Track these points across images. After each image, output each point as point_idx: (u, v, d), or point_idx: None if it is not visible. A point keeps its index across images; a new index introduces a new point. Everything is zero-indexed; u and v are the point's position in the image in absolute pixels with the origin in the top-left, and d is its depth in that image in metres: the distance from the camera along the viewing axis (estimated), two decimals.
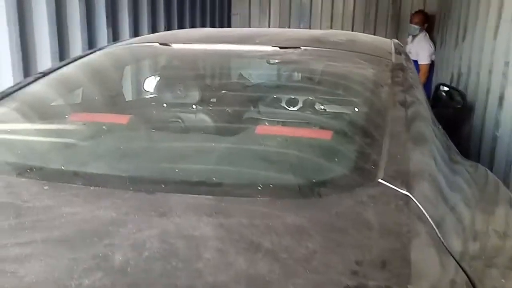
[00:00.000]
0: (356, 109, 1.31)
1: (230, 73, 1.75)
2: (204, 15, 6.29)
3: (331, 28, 7.20)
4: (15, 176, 0.97)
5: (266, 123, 1.27)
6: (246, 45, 1.74)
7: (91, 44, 3.60)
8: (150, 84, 1.72)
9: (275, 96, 1.57)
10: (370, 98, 1.34)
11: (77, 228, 0.78)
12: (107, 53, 1.85)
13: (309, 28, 7.25)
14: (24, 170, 1.00)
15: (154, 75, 1.74)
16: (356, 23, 7.08)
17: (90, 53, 1.86)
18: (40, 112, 1.41)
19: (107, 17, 3.75)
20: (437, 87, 2.50)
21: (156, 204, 0.86)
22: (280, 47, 1.66)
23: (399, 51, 1.78)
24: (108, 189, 0.90)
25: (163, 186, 0.92)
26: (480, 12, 3.59)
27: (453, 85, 4.16)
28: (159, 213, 0.82)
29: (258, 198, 0.87)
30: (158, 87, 1.69)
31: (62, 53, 3.24)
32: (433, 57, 5.57)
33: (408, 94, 1.33)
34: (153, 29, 4.74)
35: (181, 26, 5.48)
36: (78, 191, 0.89)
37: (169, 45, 1.78)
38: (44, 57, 3.05)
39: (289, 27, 7.33)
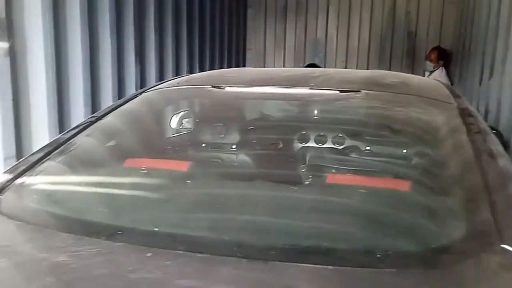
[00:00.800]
0: (445, 161, 1.24)
1: (293, 119, 1.69)
2: (222, 50, 6.40)
3: (346, 63, 7.27)
4: (105, 239, 0.90)
5: (358, 179, 1.20)
6: (303, 89, 1.68)
7: (120, 79, 3.62)
8: (210, 129, 1.66)
9: (351, 145, 1.50)
10: (454, 147, 1.28)
11: None
12: (159, 93, 1.80)
13: (324, 63, 7.33)
14: (114, 232, 0.92)
15: (213, 120, 1.69)
16: (371, 58, 7.14)
17: (141, 93, 1.81)
18: (109, 162, 1.35)
19: (135, 55, 3.79)
20: None
21: (276, 276, 0.78)
22: (341, 91, 1.61)
23: (456, 93, 1.73)
24: (218, 256, 0.82)
25: (273, 253, 0.84)
26: (511, 48, 3.57)
27: None
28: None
29: (384, 270, 0.79)
30: (221, 133, 1.64)
31: (94, 89, 3.25)
32: None
33: (489, 142, 1.27)
34: (177, 63, 4.80)
35: (201, 59, 5.56)
36: (186, 259, 0.81)
37: (222, 88, 1.73)
38: (78, 92, 3.05)
39: (304, 62, 7.40)
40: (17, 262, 0.84)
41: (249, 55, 7.73)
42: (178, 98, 1.86)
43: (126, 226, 0.96)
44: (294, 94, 1.66)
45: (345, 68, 7.04)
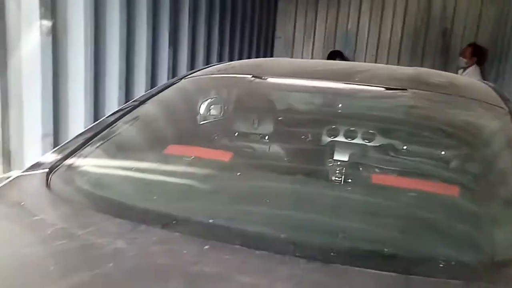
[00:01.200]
0: (506, 169, 1.19)
1: (340, 116, 1.64)
2: (251, 37, 6.37)
3: (376, 57, 7.14)
4: (160, 228, 0.90)
5: (416, 183, 1.16)
6: (348, 84, 1.64)
7: (154, 63, 3.64)
8: (252, 121, 1.64)
9: (404, 147, 1.45)
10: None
11: None
12: (199, 81, 1.78)
13: (354, 56, 7.21)
14: (169, 221, 0.92)
15: (256, 112, 1.66)
16: (403, 53, 6.98)
17: (180, 79, 1.80)
18: (153, 148, 1.35)
19: (169, 40, 3.80)
20: None
21: (337, 279, 0.77)
22: (387, 88, 1.57)
23: (505, 96, 1.66)
24: (277, 255, 0.81)
25: (333, 254, 0.83)
26: None
27: None
28: None
29: (448, 281, 0.77)
30: (264, 125, 1.61)
31: (128, 71, 3.27)
32: None
33: None
34: (208, 49, 4.80)
35: (231, 46, 5.55)
36: (245, 255, 0.81)
37: (264, 79, 1.70)
38: (113, 74, 3.08)
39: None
40: (77, 246, 0.85)
41: (277, 44, 7.65)
42: (219, 87, 1.85)
43: (180, 215, 0.95)
44: (340, 89, 1.62)
45: (375, 62, 6.91)
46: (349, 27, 7.30)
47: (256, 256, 0.80)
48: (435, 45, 6.74)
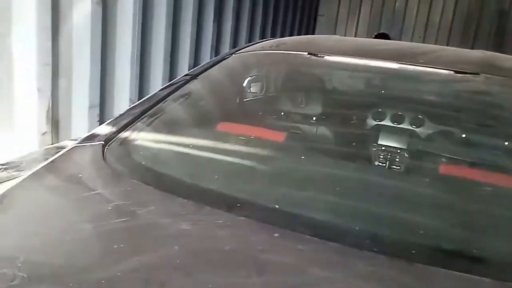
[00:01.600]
0: None
1: (407, 100, 1.53)
2: (294, 14, 6.21)
3: (424, 38, 6.82)
4: (225, 211, 0.84)
5: (499, 179, 1.06)
6: (413, 66, 1.51)
7: (198, 36, 3.59)
8: (309, 100, 1.55)
9: (481, 139, 1.32)
10: None
11: None
12: (252, 56, 1.71)
13: (400, 36, 6.91)
14: (233, 204, 0.87)
15: (315, 92, 1.57)
16: (453, 36, 6.63)
17: (231, 54, 1.73)
18: (206, 125, 1.30)
19: (214, 16, 3.73)
20: None
21: (424, 281, 0.69)
22: (456, 71, 1.44)
23: None
24: (353, 249, 0.74)
25: (415, 252, 0.75)
26: None
27: None
28: None
29: None
30: (321, 106, 1.52)
31: (174, 45, 3.24)
32: None
33: None
34: (251, 26, 4.71)
35: (274, 24, 5.43)
36: (318, 247, 0.74)
37: (321, 56, 1.60)
38: (159, 47, 3.06)
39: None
40: (139, 224, 0.81)
41: (318, 22, 7.43)
42: (273, 63, 1.76)
43: (244, 198, 0.90)
44: (406, 71, 1.50)
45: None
46: (397, 6, 6.99)
47: (330, 248, 0.74)
48: (489, 27, 6.36)
